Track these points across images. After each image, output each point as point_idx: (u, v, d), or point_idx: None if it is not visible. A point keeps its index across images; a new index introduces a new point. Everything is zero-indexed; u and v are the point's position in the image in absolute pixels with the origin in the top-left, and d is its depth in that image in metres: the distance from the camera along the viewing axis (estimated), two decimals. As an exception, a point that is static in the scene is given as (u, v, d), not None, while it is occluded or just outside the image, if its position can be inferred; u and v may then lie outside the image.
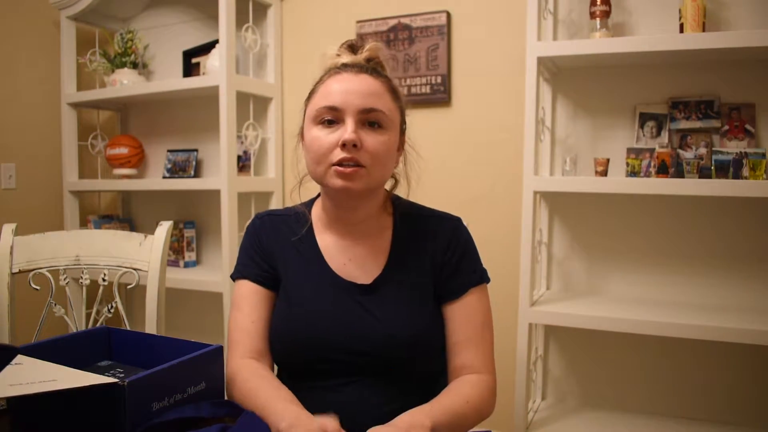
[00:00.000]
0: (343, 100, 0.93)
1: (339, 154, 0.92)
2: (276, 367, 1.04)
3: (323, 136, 0.93)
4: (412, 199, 1.09)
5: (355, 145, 0.91)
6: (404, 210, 1.07)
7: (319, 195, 1.09)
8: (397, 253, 1.03)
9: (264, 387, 0.89)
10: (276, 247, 1.04)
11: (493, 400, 0.97)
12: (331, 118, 0.94)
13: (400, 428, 0.78)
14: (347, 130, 0.91)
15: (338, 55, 1.03)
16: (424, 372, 0.99)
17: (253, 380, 0.91)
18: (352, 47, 1.04)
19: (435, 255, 1.02)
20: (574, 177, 1.85)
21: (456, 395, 0.93)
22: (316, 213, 1.07)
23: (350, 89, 0.93)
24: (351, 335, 0.95)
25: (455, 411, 0.88)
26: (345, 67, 0.98)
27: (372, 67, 0.99)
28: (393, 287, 1.00)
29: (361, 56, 1.02)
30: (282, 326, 0.99)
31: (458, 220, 1.07)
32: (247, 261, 1.05)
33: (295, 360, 0.98)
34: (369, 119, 0.94)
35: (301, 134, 1.03)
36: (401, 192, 1.09)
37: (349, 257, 1.02)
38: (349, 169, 0.92)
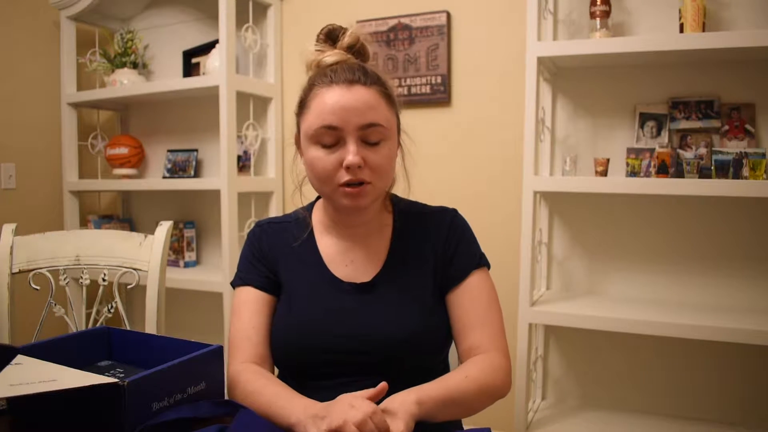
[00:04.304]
0: (341, 118, 0.91)
1: (344, 176, 0.92)
2: (276, 370, 1.04)
3: (324, 157, 0.92)
4: (412, 198, 1.10)
5: (359, 166, 0.91)
6: (403, 208, 1.07)
7: (319, 197, 1.10)
8: (396, 251, 1.03)
9: (267, 386, 0.89)
10: (277, 253, 1.05)
11: (501, 375, 0.94)
12: (330, 138, 0.92)
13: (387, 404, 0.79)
14: (349, 151, 0.90)
15: (319, 50, 1.00)
16: (425, 369, 0.99)
17: (255, 381, 0.91)
18: (330, 36, 1.01)
19: (436, 247, 1.02)
20: (574, 177, 1.85)
21: (454, 372, 0.93)
22: (317, 217, 1.08)
23: (346, 106, 0.91)
24: (352, 336, 0.96)
25: (448, 385, 0.87)
26: (335, 74, 0.94)
27: (362, 71, 0.95)
28: (392, 285, 1.00)
29: (343, 43, 1.00)
30: (284, 330, 0.99)
31: (454, 210, 1.08)
32: (248, 267, 1.05)
33: (297, 362, 0.99)
34: (369, 134, 0.93)
35: (297, 143, 1.03)
36: (401, 190, 1.09)
37: (351, 259, 1.03)
38: (356, 190, 0.92)
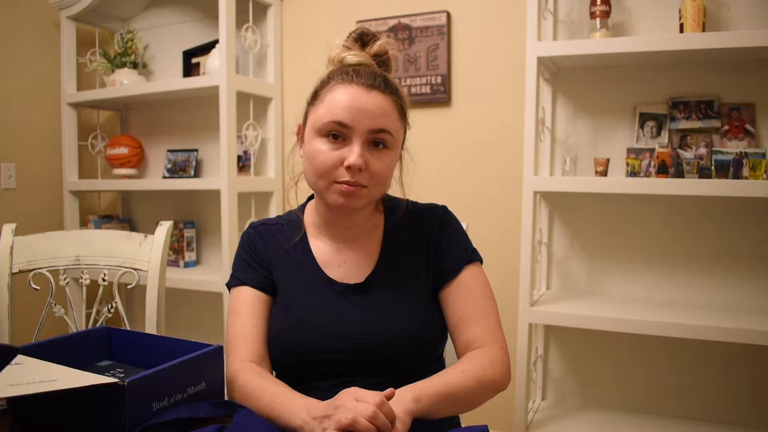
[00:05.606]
0: (353, 118, 0.91)
1: (343, 175, 0.92)
2: (273, 372, 1.04)
3: (327, 152, 0.93)
4: (411, 198, 1.10)
5: (360, 169, 0.91)
6: (394, 207, 1.08)
7: (311, 198, 1.10)
8: (388, 250, 1.04)
9: (267, 386, 0.89)
10: (271, 255, 1.05)
11: (499, 368, 0.94)
12: (337, 134, 0.92)
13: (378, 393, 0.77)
14: (353, 152, 0.91)
15: (346, 47, 1.01)
16: (421, 368, 0.99)
17: (256, 381, 0.91)
18: (361, 38, 1.02)
19: (428, 244, 1.03)
20: (574, 177, 1.85)
21: (452, 368, 0.92)
22: (309, 217, 1.08)
23: (360, 107, 0.92)
24: (346, 336, 0.96)
25: (445, 381, 0.87)
26: (356, 75, 0.95)
27: (383, 79, 0.96)
28: (385, 285, 1.00)
29: (371, 49, 1.01)
30: (279, 332, 0.99)
31: (444, 207, 1.09)
32: (244, 268, 1.05)
33: (293, 363, 0.99)
34: (375, 139, 0.93)
35: (300, 136, 1.03)
36: (397, 195, 1.09)
37: (343, 259, 1.03)
38: (352, 189, 0.92)
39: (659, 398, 1.89)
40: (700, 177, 1.69)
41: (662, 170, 1.72)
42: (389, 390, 0.78)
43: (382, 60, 1.02)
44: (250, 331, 0.99)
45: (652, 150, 1.78)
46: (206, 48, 2.49)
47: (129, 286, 1.37)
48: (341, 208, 0.95)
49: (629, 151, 1.81)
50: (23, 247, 1.36)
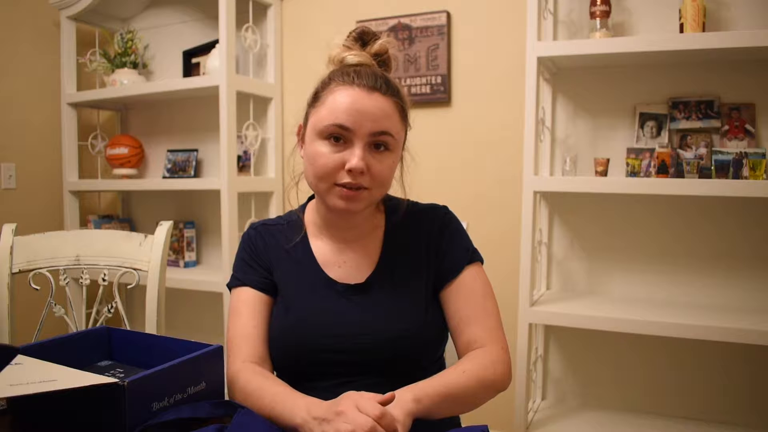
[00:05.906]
0: (355, 121, 0.91)
1: (344, 177, 0.92)
2: (275, 372, 1.04)
3: (328, 154, 0.92)
4: (411, 196, 1.10)
5: (361, 172, 0.91)
6: (395, 207, 1.08)
7: (311, 198, 1.10)
8: (388, 250, 1.03)
9: (268, 386, 0.89)
10: (272, 256, 1.05)
11: (500, 368, 0.94)
12: (339, 136, 0.92)
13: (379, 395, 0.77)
14: (355, 155, 0.91)
15: (346, 47, 1.01)
16: (422, 368, 0.99)
17: (256, 380, 0.91)
18: (362, 38, 1.01)
19: (429, 245, 1.03)
20: (574, 177, 1.85)
21: (452, 368, 0.92)
22: (310, 218, 1.08)
23: (362, 110, 0.91)
24: (347, 336, 0.96)
25: (446, 381, 0.87)
26: (357, 76, 0.94)
27: (384, 80, 0.95)
28: (386, 285, 1.00)
29: (371, 49, 1.00)
30: (280, 332, 0.99)
31: (445, 207, 1.08)
32: (245, 269, 1.05)
33: (293, 364, 0.99)
34: (377, 142, 0.93)
35: (301, 137, 1.03)
36: (398, 195, 1.09)
37: (344, 260, 1.03)
38: (353, 193, 0.92)
39: (659, 398, 1.89)
40: (700, 177, 1.69)
41: (662, 170, 1.72)
42: (389, 394, 0.78)
43: (382, 59, 1.02)
44: (250, 331, 0.99)
45: (652, 150, 1.78)
46: (206, 48, 2.49)
47: (129, 286, 1.37)
48: (342, 211, 0.95)
49: (629, 151, 1.81)
50: (23, 247, 1.36)
